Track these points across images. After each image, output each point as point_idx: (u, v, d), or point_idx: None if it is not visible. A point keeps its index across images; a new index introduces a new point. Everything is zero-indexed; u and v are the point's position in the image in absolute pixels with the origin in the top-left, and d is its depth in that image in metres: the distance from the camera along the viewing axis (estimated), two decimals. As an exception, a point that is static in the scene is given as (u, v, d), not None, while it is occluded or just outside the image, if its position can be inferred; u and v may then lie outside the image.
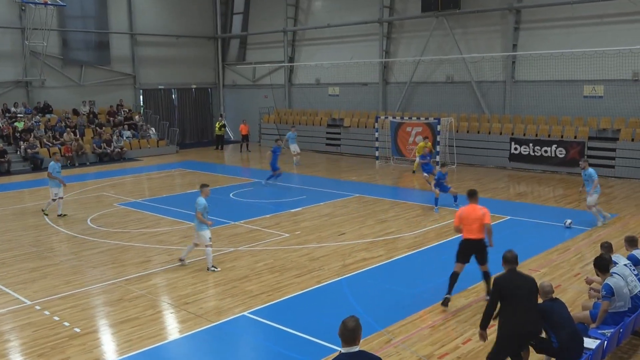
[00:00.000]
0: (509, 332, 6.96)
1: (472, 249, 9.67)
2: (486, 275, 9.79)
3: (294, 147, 26.55)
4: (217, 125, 34.22)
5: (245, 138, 32.58)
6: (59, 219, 16.65)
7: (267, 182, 21.51)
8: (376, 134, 26.95)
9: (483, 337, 7.29)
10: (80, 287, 11.14)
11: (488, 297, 8.58)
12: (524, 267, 11.21)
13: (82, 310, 9.96)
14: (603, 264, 8.14)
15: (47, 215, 16.99)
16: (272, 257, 12.74)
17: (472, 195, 9.86)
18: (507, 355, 7.05)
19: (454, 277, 9.74)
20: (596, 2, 22.77)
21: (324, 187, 21.01)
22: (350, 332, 4.95)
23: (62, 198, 17.07)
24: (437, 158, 24.73)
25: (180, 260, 12.30)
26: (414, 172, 23.90)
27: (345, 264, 12.16)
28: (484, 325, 7.19)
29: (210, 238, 11.92)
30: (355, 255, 12.79)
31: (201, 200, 11.81)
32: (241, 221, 15.98)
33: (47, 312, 9.87)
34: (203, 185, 12.27)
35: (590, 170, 14.64)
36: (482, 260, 9.73)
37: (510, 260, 7.27)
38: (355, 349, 4.95)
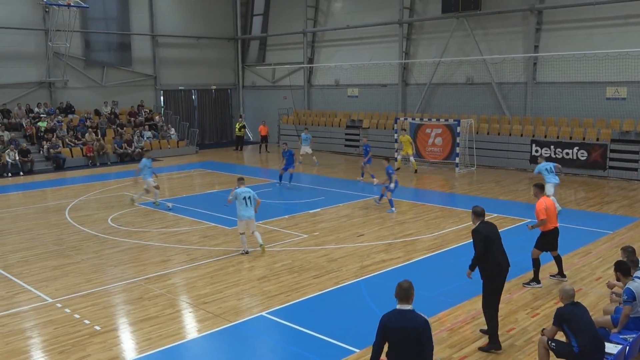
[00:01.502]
0: (493, 271, 8.21)
1: (556, 236, 10.82)
2: (558, 259, 11.02)
3: (306, 149, 26.24)
4: (237, 126, 34.39)
5: (265, 139, 32.68)
6: (82, 217, 16.87)
7: (282, 183, 21.61)
8: (395, 135, 26.87)
9: (469, 275, 8.45)
10: (100, 285, 11.26)
11: (553, 276, 11.10)
12: (544, 271, 11.14)
13: (103, 309, 10.07)
14: (625, 268, 8.04)
15: (158, 205, 18.10)
16: (290, 258, 12.76)
17: (543, 189, 11.00)
18: (496, 293, 8.32)
19: (538, 263, 10.85)
20: (619, 3, 22.47)
21: (342, 188, 21.00)
22: (404, 292, 5.81)
23: (157, 187, 18.32)
24: (457, 160, 24.61)
25: (246, 252, 13.10)
26: (415, 171, 23.98)
27: (363, 265, 12.14)
28: (472, 267, 8.38)
29: None
30: (374, 256, 12.76)
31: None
32: (260, 222, 15.98)
33: (68, 310, 10.00)
34: (240, 179, 13.46)
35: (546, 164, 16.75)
36: (557, 245, 10.90)
37: (481, 213, 8.43)
38: (408, 307, 5.79)
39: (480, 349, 8.31)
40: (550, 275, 11.15)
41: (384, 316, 5.87)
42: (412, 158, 24.25)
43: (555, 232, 10.79)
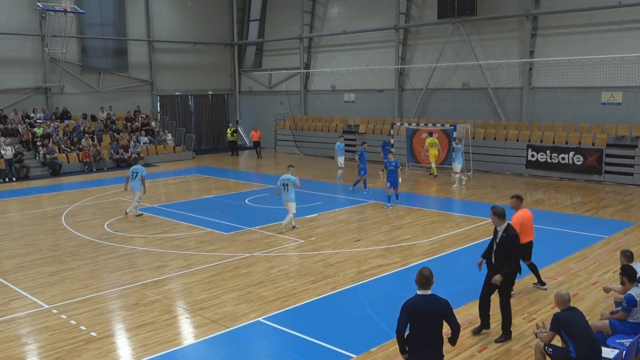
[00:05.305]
0: (516, 272, 8.73)
1: (530, 248, 10.61)
2: (532, 266, 10.83)
3: (340, 160, 24.01)
4: (228, 131, 34.31)
5: (257, 144, 32.66)
6: (78, 223, 16.83)
7: (353, 188, 21.30)
8: (392, 140, 26.89)
9: (497, 281, 8.51)
10: (97, 291, 11.23)
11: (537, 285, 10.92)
12: (541, 275, 11.12)
13: (99, 315, 10.04)
14: (631, 273, 7.99)
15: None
16: (287, 263, 12.76)
17: (521, 200, 10.52)
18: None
19: (534, 267, 10.84)
20: (614, 9, 22.58)
21: (339, 193, 20.99)
22: (425, 279, 6.24)
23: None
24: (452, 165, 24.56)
25: (283, 227, 15.40)
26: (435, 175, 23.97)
27: (360, 271, 12.13)
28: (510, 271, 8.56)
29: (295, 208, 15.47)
30: (371, 261, 12.76)
31: (293, 176, 15.46)
32: (256, 227, 16.02)
33: (64, 316, 9.97)
34: (290, 166, 16.02)
35: (460, 145, 22.00)
36: (530, 256, 10.71)
37: (503, 214, 8.56)
38: (428, 292, 6.24)
39: (496, 340, 8.73)
40: (533, 284, 11.01)
41: (407, 302, 6.24)
42: (433, 164, 24.01)
43: (529, 245, 10.56)
